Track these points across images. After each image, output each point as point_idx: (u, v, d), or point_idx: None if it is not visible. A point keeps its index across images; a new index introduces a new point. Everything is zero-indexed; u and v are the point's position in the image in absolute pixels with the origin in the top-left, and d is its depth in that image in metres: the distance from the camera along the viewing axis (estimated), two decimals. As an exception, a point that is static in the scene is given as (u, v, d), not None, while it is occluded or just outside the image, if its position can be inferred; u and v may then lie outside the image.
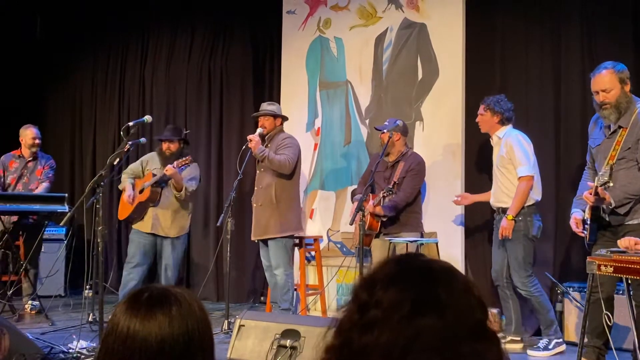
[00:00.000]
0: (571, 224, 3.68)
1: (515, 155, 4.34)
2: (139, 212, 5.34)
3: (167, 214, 5.31)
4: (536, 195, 4.39)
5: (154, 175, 5.31)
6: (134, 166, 5.53)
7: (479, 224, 5.29)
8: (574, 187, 4.46)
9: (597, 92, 3.56)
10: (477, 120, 4.62)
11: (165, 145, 5.41)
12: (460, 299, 0.95)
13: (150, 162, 5.48)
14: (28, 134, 5.87)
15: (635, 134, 3.46)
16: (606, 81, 3.52)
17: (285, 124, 5.24)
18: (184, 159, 5.14)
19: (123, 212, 5.40)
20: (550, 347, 4.27)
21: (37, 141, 5.88)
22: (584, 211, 3.62)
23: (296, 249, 5.54)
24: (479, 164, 5.30)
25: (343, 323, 0.99)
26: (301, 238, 5.53)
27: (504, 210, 4.41)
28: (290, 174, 4.98)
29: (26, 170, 5.86)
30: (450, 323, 0.92)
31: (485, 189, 4.79)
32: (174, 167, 5.07)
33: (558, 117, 5.08)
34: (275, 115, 5.07)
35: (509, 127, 4.50)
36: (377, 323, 0.93)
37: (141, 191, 5.32)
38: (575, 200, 3.79)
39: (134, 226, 5.41)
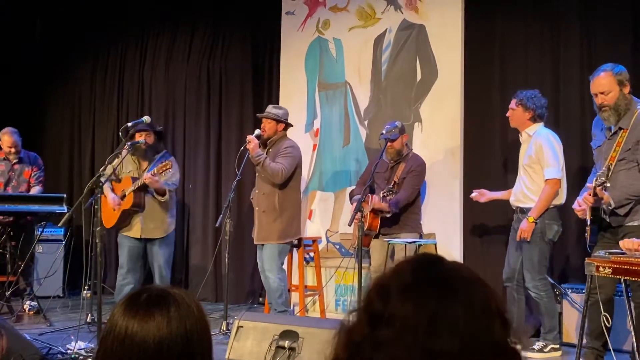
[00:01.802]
0: (574, 206, 3.65)
1: (544, 156, 4.21)
2: (125, 218, 5.21)
3: (153, 216, 5.19)
4: (559, 199, 4.28)
5: (133, 179, 5.14)
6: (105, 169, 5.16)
7: (477, 224, 5.29)
8: (572, 188, 4.46)
9: (596, 95, 3.58)
10: (507, 114, 4.48)
11: (140, 136, 5.10)
12: (479, 317, 0.88)
13: (124, 164, 5.24)
14: (4, 142, 5.74)
15: (635, 136, 3.47)
16: (604, 83, 3.54)
17: (284, 125, 5.21)
18: (163, 164, 4.94)
19: (109, 220, 5.19)
20: (545, 350, 4.25)
21: (12, 149, 5.74)
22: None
23: (295, 249, 5.54)
24: (478, 164, 5.30)
25: (353, 334, 0.93)
26: (300, 239, 5.53)
27: (522, 210, 4.33)
28: (284, 183, 4.93)
29: (13, 173, 5.81)
30: (467, 345, 0.86)
31: (488, 188, 4.76)
32: (152, 175, 4.89)
33: (557, 119, 5.08)
34: (278, 120, 5.04)
35: (541, 125, 4.36)
36: (390, 343, 0.87)
37: (123, 197, 5.15)
38: (582, 190, 3.77)
39: (122, 232, 5.29)
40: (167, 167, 4.93)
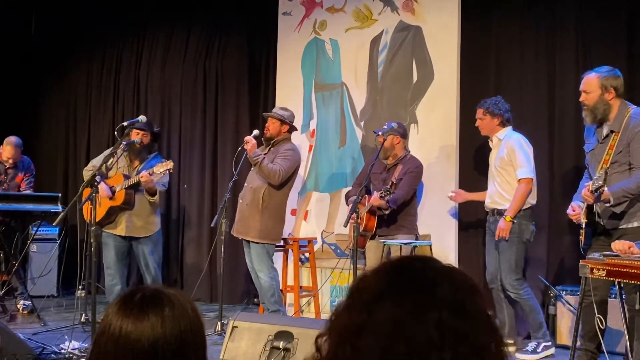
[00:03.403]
0: (568, 212, 3.69)
1: (516, 157, 4.34)
2: (111, 215, 5.12)
3: (140, 215, 5.14)
4: (532, 199, 4.40)
5: (125, 176, 5.08)
6: (96, 162, 5.11)
7: (473, 226, 5.30)
8: (567, 190, 4.47)
9: (581, 92, 3.70)
10: (476, 124, 4.60)
11: (137, 135, 5.05)
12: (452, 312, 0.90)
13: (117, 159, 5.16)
14: (6, 151, 5.79)
15: (626, 138, 3.52)
16: (588, 84, 3.66)
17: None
18: (164, 163, 4.85)
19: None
20: (538, 350, 4.28)
21: (10, 160, 5.83)
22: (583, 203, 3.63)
23: (290, 250, 5.54)
24: (473, 166, 5.31)
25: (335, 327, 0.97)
26: (295, 239, 5.52)
27: (498, 212, 4.41)
28: (279, 185, 4.93)
29: (6, 176, 5.82)
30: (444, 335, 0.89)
31: (480, 190, 4.79)
32: (149, 174, 4.82)
33: (552, 121, 5.10)
34: (282, 121, 5.03)
35: (509, 128, 4.51)
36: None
37: (113, 193, 5.07)
38: (575, 195, 3.80)
39: (106, 229, 5.16)
40: (169, 166, 4.84)
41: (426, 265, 0.96)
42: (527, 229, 4.35)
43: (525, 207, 4.35)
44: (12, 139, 5.84)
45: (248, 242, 5.00)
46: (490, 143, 4.61)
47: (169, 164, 4.85)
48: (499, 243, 4.39)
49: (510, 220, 4.30)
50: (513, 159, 4.36)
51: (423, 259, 0.99)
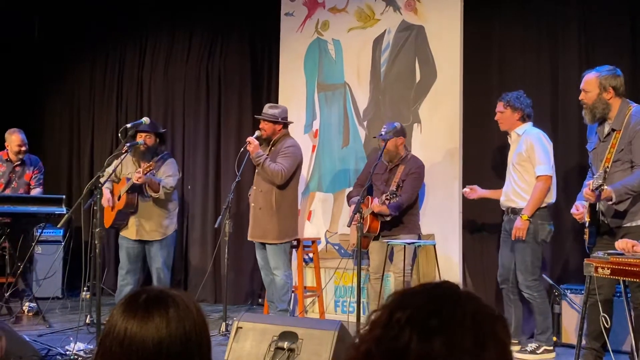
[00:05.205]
0: (572, 211, 3.68)
1: (535, 153, 4.24)
2: (122, 219, 5.22)
3: (149, 218, 5.18)
4: (550, 198, 4.30)
5: (128, 180, 5.14)
6: (108, 169, 5.12)
7: (476, 225, 5.29)
8: (571, 189, 4.46)
9: (581, 91, 3.72)
10: (496, 118, 4.50)
11: (140, 137, 5.09)
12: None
13: (124, 166, 5.23)
14: (13, 140, 5.75)
15: (627, 136, 3.52)
16: (587, 82, 3.67)
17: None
18: (147, 164, 4.90)
19: (106, 220, 5.21)
20: (538, 351, 4.24)
21: (22, 148, 5.76)
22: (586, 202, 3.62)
23: (294, 250, 5.54)
24: (476, 166, 5.31)
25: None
26: (299, 240, 5.53)
27: (513, 210, 4.32)
28: (284, 184, 4.94)
29: (14, 174, 5.81)
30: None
31: (477, 186, 4.77)
32: (140, 174, 4.88)
33: (555, 120, 5.09)
34: (275, 122, 5.04)
35: (529, 124, 4.41)
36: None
37: (118, 198, 5.17)
38: (578, 195, 3.79)
39: (122, 232, 5.31)
40: (151, 167, 4.92)
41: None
42: (542, 229, 4.24)
43: (541, 206, 4.24)
44: (12, 129, 5.81)
45: (263, 243, 5.02)
46: (509, 139, 4.50)
47: (150, 165, 4.93)
48: (515, 243, 4.29)
49: (527, 219, 4.19)
50: (532, 155, 4.25)
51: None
